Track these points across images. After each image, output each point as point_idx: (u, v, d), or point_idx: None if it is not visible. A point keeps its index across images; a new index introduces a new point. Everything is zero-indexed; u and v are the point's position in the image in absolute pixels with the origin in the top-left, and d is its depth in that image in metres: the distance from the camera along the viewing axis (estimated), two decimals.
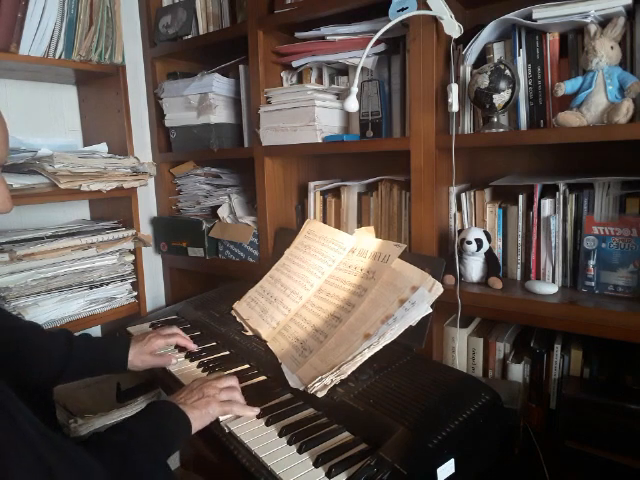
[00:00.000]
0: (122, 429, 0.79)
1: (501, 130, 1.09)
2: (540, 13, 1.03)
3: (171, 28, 1.62)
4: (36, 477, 0.59)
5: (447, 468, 0.74)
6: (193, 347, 1.19)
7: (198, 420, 0.85)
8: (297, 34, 1.39)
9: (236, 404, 0.90)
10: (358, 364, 0.97)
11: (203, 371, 1.10)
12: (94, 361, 1.07)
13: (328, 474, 0.74)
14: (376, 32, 1.13)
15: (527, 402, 1.16)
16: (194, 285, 1.87)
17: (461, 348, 1.22)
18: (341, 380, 0.95)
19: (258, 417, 0.90)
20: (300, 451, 0.80)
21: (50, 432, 0.66)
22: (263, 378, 1.07)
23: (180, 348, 1.21)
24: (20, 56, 1.28)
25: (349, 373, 0.96)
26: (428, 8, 1.08)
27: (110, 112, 1.57)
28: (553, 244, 1.10)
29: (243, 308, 1.36)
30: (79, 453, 0.67)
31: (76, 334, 1.10)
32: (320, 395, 0.93)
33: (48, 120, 1.59)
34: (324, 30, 1.32)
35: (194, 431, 0.84)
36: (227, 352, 1.20)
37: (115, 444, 0.74)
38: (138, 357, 1.10)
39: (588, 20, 0.98)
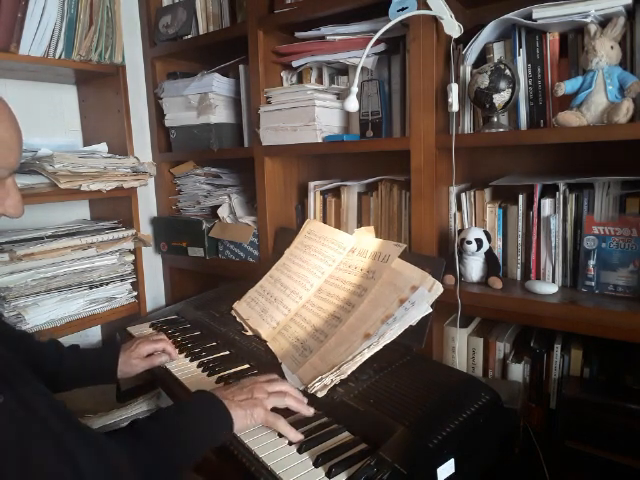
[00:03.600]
0: (163, 417, 0.79)
1: (501, 130, 1.09)
2: (540, 13, 1.03)
3: (171, 28, 1.62)
4: (61, 468, 0.60)
5: (447, 468, 0.74)
6: (174, 355, 1.16)
7: (241, 420, 0.82)
8: (297, 34, 1.39)
9: (282, 420, 0.84)
10: (358, 364, 0.97)
11: (203, 371, 1.10)
12: (84, 372, 1.07)
13: (328, 474, 0.73)
14: (376, 32, 1.13)
15: (527, 402, 1.16)
16: (194, 285, 1.87)
17: (461, 348, 1.22)
18: (341, 380, 0.95)
19: None
20: (300, 451, 0.80)
21: (76, 420, 0.67)
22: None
23: (179, 349, 1.20)
24: (20, 56, 1.28)
25: (349, 373, 0.96)
26: (428, 8, 1.08)
27: (110, 112, 1.57)
28: (553, 244, 1.10)
29: (243, 308, 1.36)
30: (106, 443, 0.67)
31: (65, 345, 1.10)
32: (320, 395, 0.93)
33: (48, 120, 1.59)
34: (324, 30, 1.32)
35: (236, 431, 0.82)
36: (227, 352, 1.20)
37: (153, 433, 0.74)
38: (127, 362, 1.09)
39: (588, 20, 0.98)
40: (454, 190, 1.22)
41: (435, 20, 1.10)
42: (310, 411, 0.89)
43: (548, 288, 1.06)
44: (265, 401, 0.86)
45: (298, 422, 0.87)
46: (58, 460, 0.61)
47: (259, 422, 0.84)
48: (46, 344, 1.07)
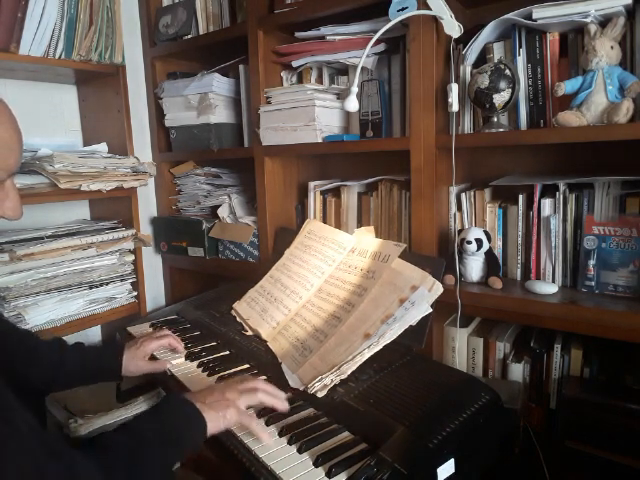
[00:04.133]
0: (130, 429, 0.77)
1: (501, 130, 1.09)
2: (540, 13, 1.03)
3: (171, 28, 1.62)
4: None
5: (447, 468, 0.74)
6: (181, 350, 1.17)
7: (214, 422, 0.80)
8: (297, 34, 1.39)
9: (254, 420, 0.84)
10: (358, 364, 0.97)
11: (203, 371, 1.10)
12: (87, 370, 1.06)
13: (328, 474, 0.74)
14: (376, 32, 1.13)
15: (527, 402, 1.16)
16: (194, 285, 1.87)
17: (461, 348, 1.22)
18: (341, 380, 0.95)
19: (258, 417, 0.90)
20: (300, 451, 0.80)
21: (46, 434, 0.65)
22: (263, 378, 1.06)
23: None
24: (20, 56, 1.28)
25: (349, 373, 0.96)
26: (428, 8, 1.08)
27: (110, 112, 1.57)
28: (553, 244, 1.10)
29: (243, 308, 1.36)
30: (75, 457, 0.65)
31: (69, 343, 1.10)
32: (320, 395, 0.93)
33: (48, 120, 1.59)
34: (324, 30, 1.32)
35: (209, 433, 0.79)
36: (227, 352, 1.20)
37: (121, 445, 0.72)
38: (132, 363, 1.09)
39: (588, 20, 0.98)
40: (454, 190, 1.22)
41: (435, 20, 1.10)
42: (285, 405, 0.87)
43: (548, 288, 1.06)
44: (237, 401, 0.83)
45: (301, 420, 0.88)
46: (27, 472, 0.59)
47: (232, 423, 0.82)
48: (49, 342, 1.07)
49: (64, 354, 1.05)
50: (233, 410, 0.82)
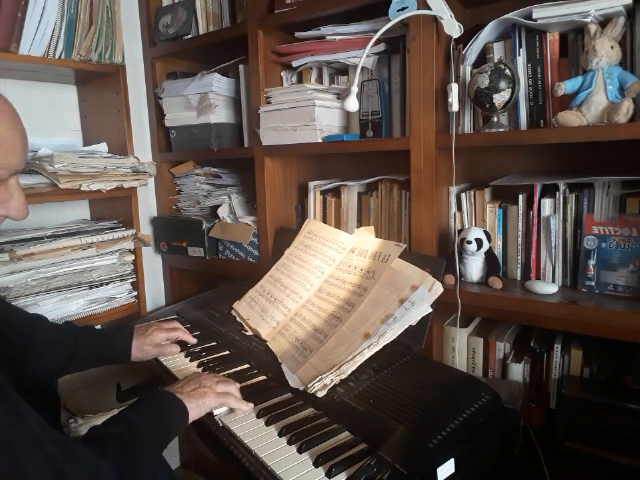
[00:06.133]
0: (120, 420, 0.79)
1: (501, 130, 1.09)
2: (540, 13, 1.03)
3: (171, 28, 1.62)
4: (47, 478, 0.59)
5: (447, 468, 0.74)
6: (192, 340, 1.21)
7: (194, 409, 0.86)
8: (297, 34, 1.39)
9: (232, 397, 0.91)
10: (358, 364, 0.97)
11: (203, 371, 1.10)
12: (98, 351, 1.10)
13: (328, 474, 0.74)
14: (376, 32, 1.13)
15: (527, 402, 1.16)
16: (194, 285, 1.87)
17: (461, 348, 1.22)
18: (341, 380, 0.95)
19: (258, 417, 0.90)
20: (300, 451, 0.80)
21: (56, 432, 0.66)
22: (263, 378, 1.07)
23: (181, 345, 1.21)
24: (20, 56, 1.28)
25: (349, 373, 0.96)
26: (428, 8, 1.08)
27: (110, 112, 1.57)
28: (553, 244, 1.10)
29: (243, 308, 1.36)
30: (86, 452, 0.67)
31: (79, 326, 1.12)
32: (320, 395, 0.93)
33: (48, 120, 1.59)
34: (324, 30, 1.32)
35: (190, 420, 0.86)
36: (227, 352, 1.20)
37: (114, 436, 0.75)
38: (140, 348, 1.13)
39: (588, 20, 0.98)
40: (454, 190, 1.22)
41: (435, 20, 1.10)
42: (249, 406, 0.93)
43: (548, 288, 1.06)
44: (214, 386, 0.91)
45: (301, 420, 0.88)
46: (45, 470, 0.59)
47: (212, 406, 0.89)
48: (62, 326, 1.10)
49: (78, 336, 1.08)
50: (211, 394, 0.89)
